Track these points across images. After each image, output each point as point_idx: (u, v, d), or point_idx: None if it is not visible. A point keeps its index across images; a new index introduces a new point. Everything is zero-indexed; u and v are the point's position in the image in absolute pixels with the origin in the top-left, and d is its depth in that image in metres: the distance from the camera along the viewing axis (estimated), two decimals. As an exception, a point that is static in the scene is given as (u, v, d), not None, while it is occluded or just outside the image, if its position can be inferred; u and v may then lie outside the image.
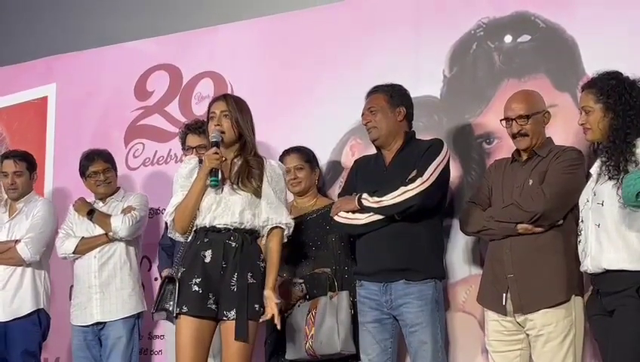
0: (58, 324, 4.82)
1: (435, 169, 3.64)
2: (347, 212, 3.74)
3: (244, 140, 3.66)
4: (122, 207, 4.53)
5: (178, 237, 3.69)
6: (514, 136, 3.65)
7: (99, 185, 4.57)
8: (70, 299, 4.68)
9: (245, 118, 3.67)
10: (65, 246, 4.51)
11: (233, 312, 3.49)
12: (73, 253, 4.49)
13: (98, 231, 4.50)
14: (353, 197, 3.73)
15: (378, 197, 3.65)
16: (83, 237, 4.51)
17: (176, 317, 3.55)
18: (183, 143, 4.38)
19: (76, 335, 4.51)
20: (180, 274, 3.57)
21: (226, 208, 3.58)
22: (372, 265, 3.68)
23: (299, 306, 3.91)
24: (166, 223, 4.41)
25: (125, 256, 4.49)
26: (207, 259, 3.55)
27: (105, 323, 4.43)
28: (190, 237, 3.65)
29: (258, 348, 4.19)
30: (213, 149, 3.59)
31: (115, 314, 4.42)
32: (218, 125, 3.63)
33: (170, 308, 3.53)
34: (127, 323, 4.42)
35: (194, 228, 3.63)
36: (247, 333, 3.47)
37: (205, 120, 4.30)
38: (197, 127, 4.32)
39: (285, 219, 3.63)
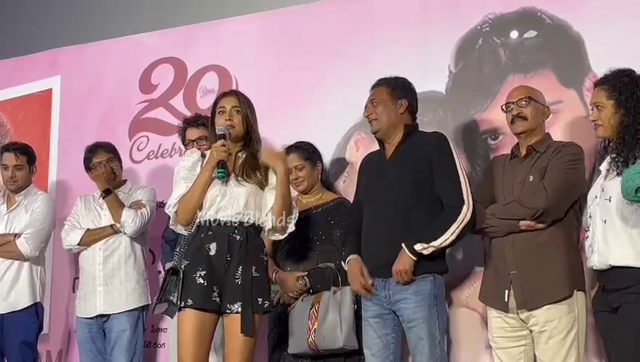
0: (61, 317, 4.84)
1: (466, 185, 3.54)
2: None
3: (250, 136, 3.68)
4: (129, 200, 4.52)
5: (180, 229, 3.67)
6: (512, 121, 3.64)
7: None
8: (74, 292, 4.69)
9: (253, 115, 3.70)
10: (70, 237, 4.51)
11: (237, 305, 3.49)
12: (78, 244, 4.49)
13: (104, 222, 4.50)
14: (408, 257, 3.50)
15: (427, 242, 3.48)
16: (88, 229, 4.51)
17: (179, 310, 3.54)
18: (183, 138, 4.39)
19: (81, 327, 4.51)
20: (183, 266, 3.56)
21: (231, 200, 3.58)
22: (372, 260, 3.65)
23: (302, 300, 3.91)
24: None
25: (130, 249, 4.48)
26: (212, 252, 3.55)
27: (109, 315, 4.43)
28: (193, 231, 3.64)
29: (261, 341, 4.20)
30: (221, 141, 3.58)
31: (119, 307, 4.41)
32: (229, 120, 3.64)
33: (175, 300, 3.52)
34: (132, 316, 4.42)
35: (197, 222, 3.62)
36: (253, 328, 3.48)
37: (203, 115, 4.31)
38: (195, 120, 4.35)
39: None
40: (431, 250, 3.49)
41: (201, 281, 3.51)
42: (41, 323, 4.61)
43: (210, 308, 3.51)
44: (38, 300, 4.59)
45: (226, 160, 3.58)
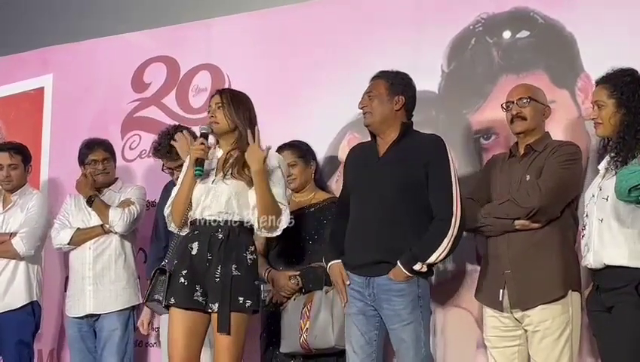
0: (53, 316, 4.83)
1: (457, 195, 3.51)
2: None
3: (239, 132, 3.67)
4: (119, 199, 4.52)
5: (176, 230, 3.71)
6: (512, 120, 3.64)
7: (97, 174, 4.56)
8: (65, 291, 4.69)
9: (240, 110, 3.68)
10: (60, 236, 4.51)
11: (217, 304, 3.51)
12: (68, 243, 4.49)
13: (94, 222, 4.50)
14: (405, 274, 3.48)
15: (423, 260, 3.46)
16: (78, 228, 4.50)
17: (166, 308, 3.59)
18: (161, 158, 4.41)
19: (71, 326, 4.52)
20: (172, 266, 3.61)
21: (214, 198, 3.60)
22: (357, 258, 3.61)
23: (294, 300, 3.90)
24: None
25: (121, 248, 4.48)
26: (194, 252, 3.58)
27: (99, 315, 4.42)
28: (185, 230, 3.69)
29: (254, 341, 4.20)
30: (200, 140, 3.63)
31: (109, 307, 4.41)
32: (212, 116, 3.67)
33: (161, 298, 3.58)
34: (122, 315, 4.41)
35: (188, 221, 3.66)
36: (229, 326, 3.48)
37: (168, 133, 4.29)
38: (165, 152, 4.30)
39: (282, 200, 3.61)
40: (426, 267, 3.48)
41: (183, 281, 3.55)
42: (37, 322, 4.62)
43: (194, 307, 3.54)
44: (35, 299, 4.60)
45: (204, 158, 3.60)
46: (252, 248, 3.63)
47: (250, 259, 3.60)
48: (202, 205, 3.61)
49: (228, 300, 3.49)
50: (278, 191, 3.62)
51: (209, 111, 3.71)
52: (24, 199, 4.69)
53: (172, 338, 3.56)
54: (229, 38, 4.94)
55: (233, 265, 3.54)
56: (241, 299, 3.52)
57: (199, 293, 3.54)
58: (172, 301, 3.55)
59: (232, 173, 3.63)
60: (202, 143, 3.62)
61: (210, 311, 3.53)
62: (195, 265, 3.56)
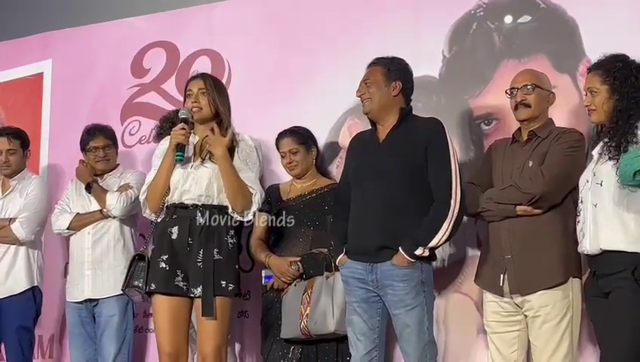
0: (53, 301, 4.83)
1: (456, 178, 3.53)
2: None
3: (220, 118, 3.69)
4: (119, 184, 4.51)
5: (152, 216, 3.73)
6: (516, 107, 3.62)
7: (98, 161, 4.55)
8: (66, 276, 4.69)
9: (222, 97, 3.72)
10: (59, 221, 4.52)
11: (200, 289, 3.52)
12: (67, 228, 4.49)
13: (93, 207, 4.49)
14: (407, 260, 3.50)
15: (425, 244, 3.48)
16: (77, 213, 4.50)
17: (147, 295, 3.61)
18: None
19: (71, 311, 4.52)
20: (150, 251, 3.64)
21: (193, 182, 3.63)
22: (360, 245, 3.61)
23: (295, 285, 3.90)
24: None
25: (120, 234, 4.47)
26: (174, 236, 3.60)
27: (98, 300, 4.42)
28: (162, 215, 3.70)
29: (254, 326, 4.21)
30: (180, 125, 3.65)
31: (107, 292, 4.40)
32: (195, 102, 3.67)
33: (140, 285, 3.61)
34: (120, 301, 4.39)
35: (165, 206, 3.67)
36: (214, 310, 3.49)
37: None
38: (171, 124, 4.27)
39: (252, 184, 3.63)
40: (428, 251, 3.50)
41: (164, 266, 3.57)
42: (38, 307, 4.62)
43: (175, 292, 3.56)
44: (36, 284, 4.59)
45: (185, 143, 3.62)
46: (232, 232, 3.66)
47: (231, 243, 3.63)
48: (181, 190, 3.63)
49: (211, 284, 3.52)
50: (249, 175, 3.65)
51: (189, 95, 3.71)
52: (23, 184, 4.68)
53: (158, 325, 3.60)
54: (229, 24, 4.91)
55: (215, 249, 3.57)
56: (223, 282, 3.55)
57: (180, 278, 3.57)
58: (153, 286, 3.58)
59: (210, 158, 3.65)
60: (183, 128, 3.63)
61: (192, 295, 3.55)
62: (175, 250, 3.58)
